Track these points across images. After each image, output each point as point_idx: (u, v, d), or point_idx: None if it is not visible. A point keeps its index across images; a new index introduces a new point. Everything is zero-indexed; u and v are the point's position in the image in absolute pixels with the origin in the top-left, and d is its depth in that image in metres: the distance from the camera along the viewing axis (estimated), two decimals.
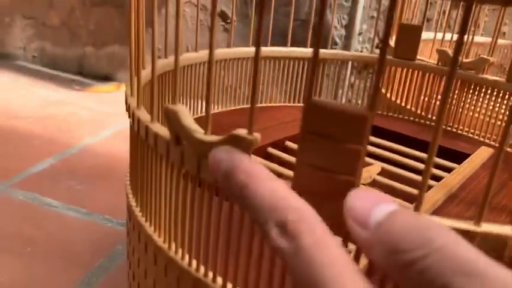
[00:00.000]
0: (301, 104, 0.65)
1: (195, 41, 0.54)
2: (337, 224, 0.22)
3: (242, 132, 0.23)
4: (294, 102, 0.65)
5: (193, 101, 0.55)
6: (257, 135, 0.23)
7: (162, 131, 0.27)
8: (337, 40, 1.10)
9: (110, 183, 0.75)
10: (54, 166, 0.79)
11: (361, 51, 1.08)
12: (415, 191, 0.43)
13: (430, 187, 0.44)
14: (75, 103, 1.13)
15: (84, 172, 0.78)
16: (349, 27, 1.08)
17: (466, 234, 0.20)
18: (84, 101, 1.16)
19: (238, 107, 0.61)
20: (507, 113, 0.56)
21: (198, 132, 0.25)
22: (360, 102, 0.81)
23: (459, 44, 0.19)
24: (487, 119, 0.58)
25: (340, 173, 0.21)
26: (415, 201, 0.39)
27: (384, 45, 0.18)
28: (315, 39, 0.19)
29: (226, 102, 0.61)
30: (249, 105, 0.63)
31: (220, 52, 0.58)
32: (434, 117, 0.62)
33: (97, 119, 1.04)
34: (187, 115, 0.25)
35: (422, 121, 0.63)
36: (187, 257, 0.28)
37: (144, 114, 0.30)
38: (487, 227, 0.21)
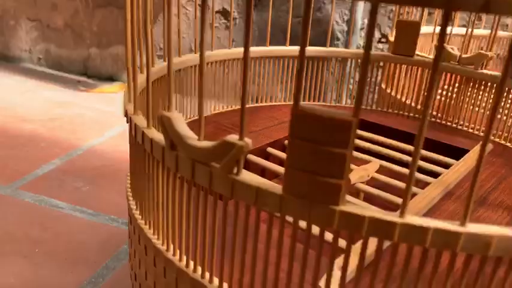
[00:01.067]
0: (301, 103, 0.66)
1: (199, 39, 0.54)
2: (326, 225, 0.23)
3: (233, 138, 0.24)
4: (288, 100, 0.66)
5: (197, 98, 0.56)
6: (248, 140, 0.24)
7: (158, 136, 0.28)
8: (339, 35, 1.10)
9: (115, 184, 0.76)
10: (60, 168, 0.80)
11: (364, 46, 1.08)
12: (413, 189, 0.43)
13: (427, 184, 0.44)
14: (80, 104, 1.15)
15: (90, 173, 0.79)
16: (350, 22, 1.08)
17: (452, 235, 0.21)
18: (89, 101, 1.17)
19: (237, 107, 0.62)
20: (506, 108, 0.57)
21: (192, 138, 0.25)
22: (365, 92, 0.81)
23: (440, 49, 0.19)
24: (487, 112, 0.58)
25: (328, 177, 0.21)
26: (411, 198, 0.40)
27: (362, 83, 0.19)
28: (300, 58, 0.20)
29: (228, 100, 0.61)
30: (250, 105, 0.64)
31: (221, 52, 0.58)
32: (434, 113, 0.63)
33: (102, 119, 1.05)
34: (181, 121, 0.26)
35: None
36: (185, 258, 0.29)
37: (140, 120, 0.30)
38: (472, 227, 0.21)
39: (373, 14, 0.19)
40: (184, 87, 0.54)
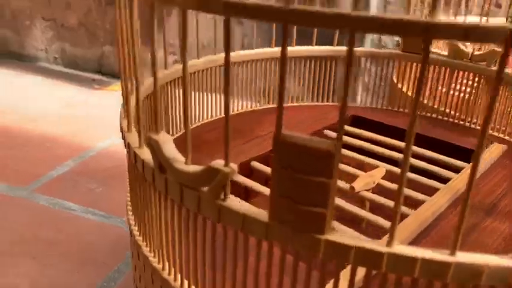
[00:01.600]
0: (308, 103, 0.65)
1: (207, 36, 0.54)
2: (310, 253, 0.22)
3: (219, 164, 0.23)
4: (300, 101, 0.65)
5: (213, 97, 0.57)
6: (233, 166, 0.23)
7: (150, 157, 0.28)
8: None
9: (127, 186, 0.77)
10: (73, 169, 0.81)
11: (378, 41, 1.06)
12: (420, 196, 0.42)
13: (436, 190, 0.43)
14: (94, 103, 1.16)
15: (103, 174, 0.80)
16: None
17: (441, 265, 0.20)
18: (103, 100, 1.18)
19: (249, 109, 0.62)
20: None
21: (179, 162, 0.25)
22: (377, 89, 0.79)
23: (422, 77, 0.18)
24: (502, 109, 0.56)
25: (311, 206, 0.21)
26: (419, 206, 0.39)
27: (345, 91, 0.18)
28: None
29: (234, 101, 0.61)
30: (258, 107, 0.62)
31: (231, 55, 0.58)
32: (447, 110, 0.61)
33: (116, 119, 1.06)
34: (168, 144, 0.26)
35: (434, 115, 0.62)
36: (179, 278, 0.29)
37: (133, 139, 0.30)
38: (461, 257, 0.20)
39: (351, 44, 0.18)
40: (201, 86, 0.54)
